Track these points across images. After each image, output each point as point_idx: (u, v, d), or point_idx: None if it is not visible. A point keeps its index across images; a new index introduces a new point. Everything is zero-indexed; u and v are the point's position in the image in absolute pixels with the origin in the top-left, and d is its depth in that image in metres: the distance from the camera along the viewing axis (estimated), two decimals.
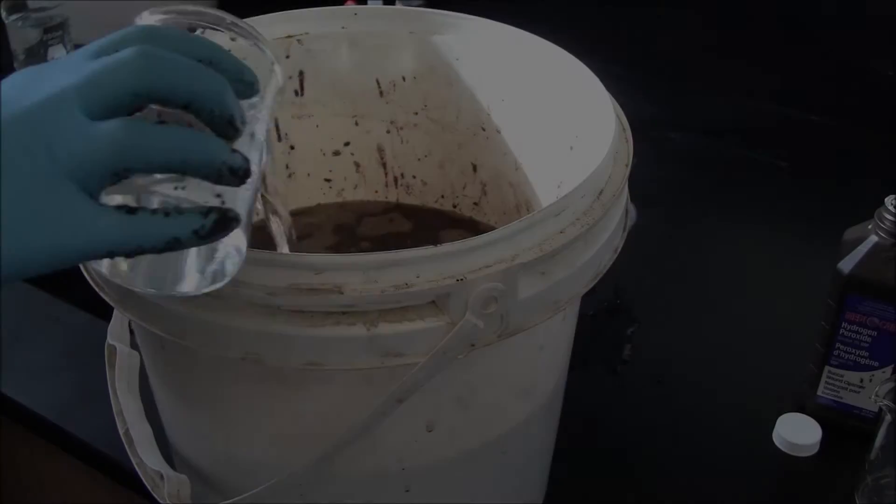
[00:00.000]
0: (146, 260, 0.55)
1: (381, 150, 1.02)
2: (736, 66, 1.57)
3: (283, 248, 0.81)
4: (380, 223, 1.03)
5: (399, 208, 1.05)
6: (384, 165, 1.03)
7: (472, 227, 1.02)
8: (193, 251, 0.55)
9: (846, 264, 0.93)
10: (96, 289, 0.71)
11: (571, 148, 0.87)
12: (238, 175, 0.53)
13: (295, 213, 1.03)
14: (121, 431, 0.84)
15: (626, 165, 0.74)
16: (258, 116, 0.60)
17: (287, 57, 0.95)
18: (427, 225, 1.03)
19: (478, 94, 0.95)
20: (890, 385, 0.85)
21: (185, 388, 0.76)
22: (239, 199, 0.55)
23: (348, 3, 1.57)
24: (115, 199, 0.52)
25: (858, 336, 0.95)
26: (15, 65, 1.60)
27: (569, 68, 0.86)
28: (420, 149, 1.02)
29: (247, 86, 0.58)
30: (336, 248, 0.99)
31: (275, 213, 0.81)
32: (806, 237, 1.29)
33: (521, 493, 0.86)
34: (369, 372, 0.66)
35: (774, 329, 1.13)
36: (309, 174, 1.03)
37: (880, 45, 1.42)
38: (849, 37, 1.45)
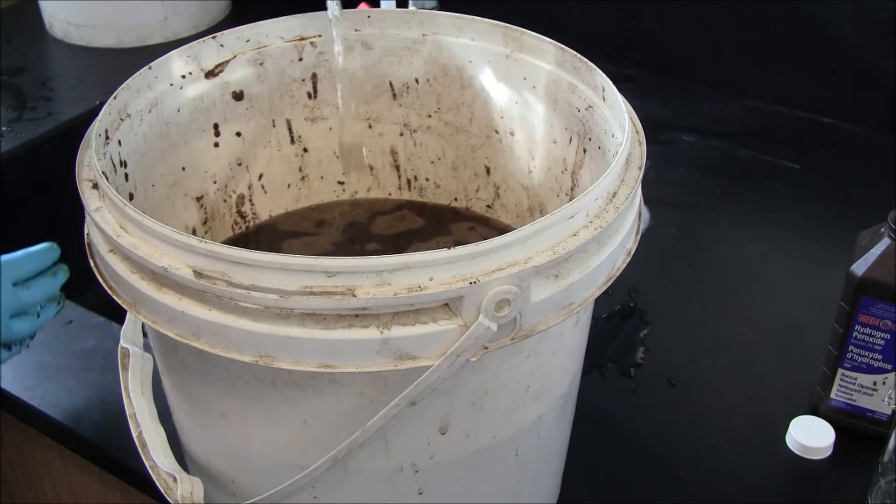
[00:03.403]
0: None
1: (394, 152, 1.03)
2: (749, 69, 1.57)
3: None
4: (391, 221, 1.03)
5: (411, 205, 1.05)
6: (397, 168, 1.04)
7: (484, 223, 1.02)
8: None
9: (859, 267, 0.93)
10: (109, 292, 0.71)
11: (585, 150, 0.87)
12: None
13: (308, 209, 1.03)
14: (134, 434, 0.85)
15: (639, 168, 0.74)
16: None
17: (300, 60, 0.96)
18: (439, 218, 1.03)
19: (491, 97, 0.96)
20: None
21: (198, 391, 0.76)
22: None
23: (361, 5, 1.58)
24: None
25: (871, 339, 0.95)
26: None
27: (582, 71, 0.86)
28: (433, 151, 1.02)
29: None
30: (345, 245, 1.00)
31: None
32: (819, 240, 1.28)
33: (534, 494, 0.86)
34: (382, 374, 0.66)
35: (787, 332, 1.13)
36: (322, 177, 1.03)
37: (894, 46, 1.42)
38: (862, 39, 1.45)
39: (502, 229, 1.00)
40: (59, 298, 0.98)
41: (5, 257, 0.93)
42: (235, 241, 0.99)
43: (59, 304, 0.98)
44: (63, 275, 0.97)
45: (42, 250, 0.95)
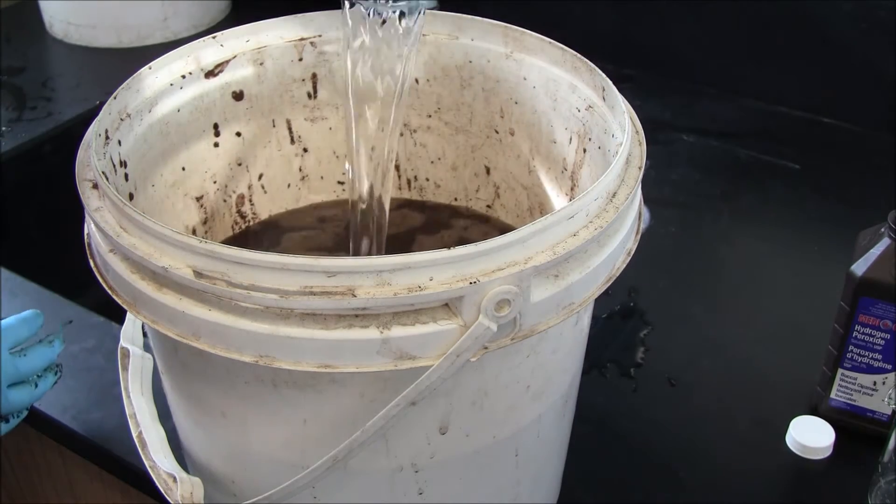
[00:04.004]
0: None
1: None
2: (749, 68, 1.57)
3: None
4: (393, 218, 1.03)
5: (412, 204, 1.05)
6: (397, 168, 1.04)
7: (484, 221, 1.02)
8: None
9: (859, 267, 0.93)
10: (109, 292, 0.71)
11: (584, 150, 0.87)
12: None
13: (310, 207, 1.03)
14: (134, 434, 0.85)
15: (639, 168, 0.74)
16: None
17: (300, 60, 0.96)
18: (440, 216, 1.03)
19: (490, 97, 0.96)
20: None
21: (198, 391, 0.76)
22: None
23: None
24: None
25: (871, 339, 0.95)
26: None
27: (581, 70, 0.86)
28: (433, 151, 1.02)
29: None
30: (341, 241, 1.00)
31: None
32: (819, 240, 1.28)
33: (534, 494, 0.86)
34: (382, 374, 0.66)
35: (787, 332, 1.13)
36: (322, 177, 1.03)
37: (894, 46, 1.42)
38: (862, 39, 1.45)
39: (503, 228, 1.00)
40: (56, 368, 0.96)
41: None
42: (236, 239, 0.99)
43: (57, 375, 0.96)
44: (59, 344, 0.95)
45: (31, 316, 0.94)
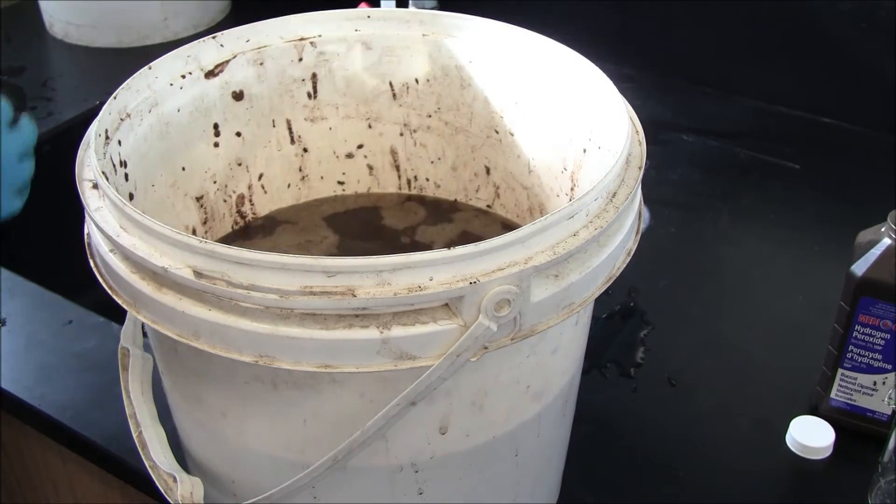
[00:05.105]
0: None
1: (394, 152, 1.03)
2: (749, 68, 1.57)
3: None
4: (398, 212, 1.03)
5: (412, 198, 1.05)
6: (397, 168, 1.04)
7: (485, 214, 1.02)
8: None
9: (859, 267, 0.93)
10: (109, 292, 0.71)
11: (584, 150, 0.87)
12: None
13: (313, 202, 1.04)
14: (134, 434, 0.85)
15: (640, 168, 0.74)
16: None
17: (300, 60, 0.96)
18: (441, 209, 1.03)
19: (491, 97, 0.96)
20: None
21: (198, 391, 0.76)
22: None
23: (361, 5, 1.58)
24: None
25: (871, 339, 0.94)
26: None
27: (582, 70, 0.86)
28: (433, 151, 1.02)
29: None
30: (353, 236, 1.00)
31: None
32: (819, 240, 1.28)
33: (534, 494, 0.86)
34: (382, 374, 0.66)
35: (787, 332, 1.13)
36: (322, 177, 1.03)
37: (894, 46, 1.42)
38: (862, 39, 1.45)
39: (503, 221, 1.01)
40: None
41: None
42: (242, 233, 1.00)
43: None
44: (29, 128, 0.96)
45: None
